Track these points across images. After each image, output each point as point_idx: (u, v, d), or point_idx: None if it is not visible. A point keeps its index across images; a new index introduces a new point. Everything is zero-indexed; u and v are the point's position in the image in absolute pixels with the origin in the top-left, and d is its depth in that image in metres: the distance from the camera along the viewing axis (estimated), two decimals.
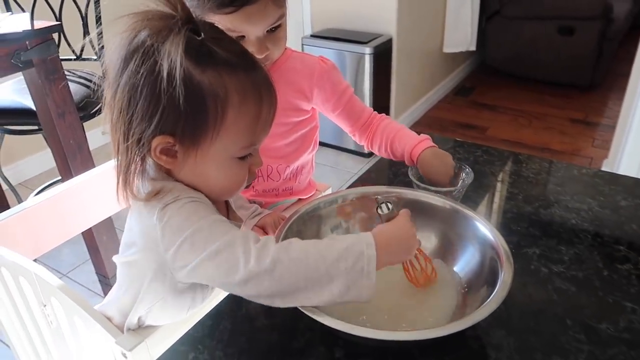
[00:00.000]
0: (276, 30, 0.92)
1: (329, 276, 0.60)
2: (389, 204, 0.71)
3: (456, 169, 0.99)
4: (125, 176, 0.67)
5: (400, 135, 1.05)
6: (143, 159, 0.67)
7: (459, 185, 0.96)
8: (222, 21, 0.86)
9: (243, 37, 0.89)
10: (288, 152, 1.10)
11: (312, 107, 1.10)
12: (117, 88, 0.63)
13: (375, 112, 1.13)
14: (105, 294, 1.95)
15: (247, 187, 0.78)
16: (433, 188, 0.90)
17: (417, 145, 1.01)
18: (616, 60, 3.90)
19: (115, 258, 0.77)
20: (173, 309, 0.77)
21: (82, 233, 1.71)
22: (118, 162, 0.67)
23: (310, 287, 0.60)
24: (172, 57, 0.58)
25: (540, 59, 3.65)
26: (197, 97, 0.61)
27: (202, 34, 0.63)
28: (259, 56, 0.90)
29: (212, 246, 0.61)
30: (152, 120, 0.62)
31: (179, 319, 0.79)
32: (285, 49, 1.04)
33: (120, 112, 0.63)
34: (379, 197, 0.73)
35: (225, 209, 0.83)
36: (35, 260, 2.14)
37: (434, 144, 1.02)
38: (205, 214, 0.64)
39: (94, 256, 1.87)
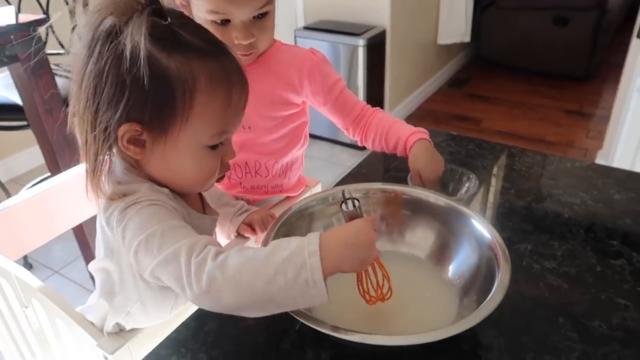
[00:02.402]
0: (263, 18, 0.90)
1: (269, 296, 0.55)
2: (355, 201, 0.66)
3: (458, 176, 0.95)
4: (93, 169, 0.65)
5: (397, 126, 1.03)
6: (110, 150, 0.65)
7: (465, 195, 0.91)
8: (206, 2, 0.84)
9: (228, 21, 0.87)
10: (277, 147, 1.08)
11: (303, 101, 1.08)
12: (82, 77, 0.61)
13: (369, 105, 1.11)
14: None
15: (219, 180, 0.75)
16: (435, 194, 0.86)
17: (413, 134, 0.99)
18: (611, 50, 3.89)
19: (90, 266, 0.75)
20: (154, 310, 0.75)
21: (73, 229, 1.69)
22: (86, 155, 0.65)
23: (252, 305, 0.57)
24: (135, 38, 0.57)
25: (534, 50, 3.63)
26: (164, 82, 0.60)
27: (169, 19, 0.61)
28: (244, 42, 0.88)
29: (162, 254, 0.58)
30: (118, 107, 0.60)
31: (163, 320, 0.77)
32: (275, 41, 1.01)
33: (87, 101, 0.61)
34: (345, 190, 0.67)
35: (200, 203, 0.80)
36: (25, 257, 2.12)
37: (429, 140, 1.00)
38: (163, 219, 0.62)
39: (85, 253, 1.85)
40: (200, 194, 0.80)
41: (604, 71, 3.75)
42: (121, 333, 0.75)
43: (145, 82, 0.58)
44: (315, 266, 0.55)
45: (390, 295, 0.69)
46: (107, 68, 0.59)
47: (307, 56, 1.04)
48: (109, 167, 0.67)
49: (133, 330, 0.76)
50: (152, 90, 0.59)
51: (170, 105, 0.61)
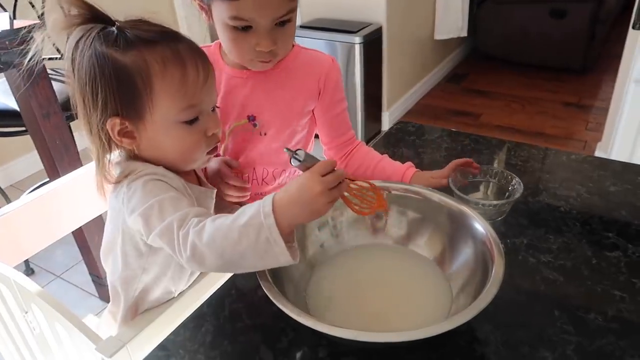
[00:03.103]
0: (285, 25, 0.88)
1: (241, 254, 0.63)
2: (300, 152, 0.65)
3: (498, 179, 0.93)
4: (100, 165, 0.76)
5: (386, 162, 1.03)
6: (110, 146, 0.75)
7: (508, 200, 0.88)
8: (229, 8, 0.83)
9: (250, 27, 0.85)
10: (288, 158, 1.08)
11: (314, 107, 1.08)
12: (73, 88, 0.73)
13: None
14: (100, 294, 1.94)
15: (211, 152, 0.80)
16: (474, 200, 0.86)
17: (408, 169, 0.99)
18: (609, 42, 3.88)
19: (101, 254, 0.85)
20: (162, 276, 0.83)
21: (73, 233, 1.69)
22: (94, 155, 0.76)
23: (231, 264, 0.65)
24: (93, 47, 0.69)
25: (532, 43, 3.62)
26: (125, 75, 0.70)
27: (116, 23, 0.72)
28: (265, 50, 0.87)
29: (159, 226, 0.68)
30: (97, 107, 0.71)
31: (177, 290, 0.86)
32: (293, 45, 1.00)
33: (81, 110, 0.73)
34: (285, 149, 0.67)
35: (196, 179, 0.88)
36: (27, 262, 2.13)
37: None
38: (160, 192, 0.71)
39: (86, 256, 1.85)
40: (196, 174, 0.88)
41: (601, 63, 3.74)
42: (119, 336, 0.76)
43: (113, 83, 0.70)
44: (272, 226, 0.62)
45: (385, 206, 0.73)
46: (83, 77, 0.70)
47: (327, 62, 1.03)
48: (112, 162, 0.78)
49: (131, 332, 0.77)
50: (118, 85, 0.70)
51: (134, 93, 0.71)
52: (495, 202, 0.87)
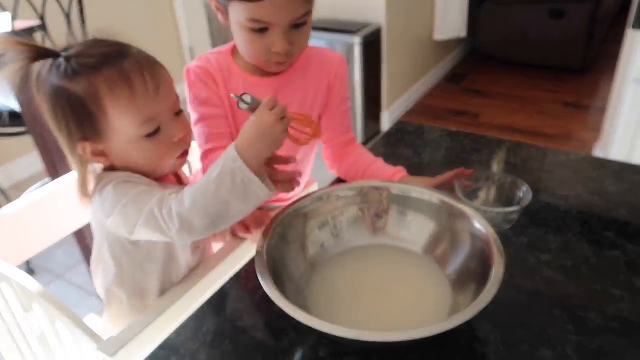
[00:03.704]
0: (301, 28, 0.88)
1: (224, 203, 0.68)
2: (246, 96, 0.71)
3: (509, 185, 0.90)
4: (81, 182, 0.81)
5: (377, 165, 1.02)
6: (85, 164, 0.80)
7: (518, 207, 0.85)
8: (247, 10, 0.82)
9: (266, 29, 0.85)
10: (300, 159, 1.08)
11: None
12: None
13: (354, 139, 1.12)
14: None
15: (182, 156, 0.82)
16: (484, 208, 0.84)
17: (395, 174, 0.98)
18: (607, 42, 3.88)
19: (99, 287, 0.91)
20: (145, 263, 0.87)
21: (74, 234, 1.69)
22: (76, 171, 0.81)
23: (218, 218, 0.70)
24: (48, 83, 0.73)
25: (531, 44, 3.63)
26: (79, 104, 0.73)
27: (61, 54, 0.74)
28: (281, 52, 0.87)
29: (140, 217, 0.72)
30: (64, 135, 0.76)
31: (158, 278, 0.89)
32: None
33: (55, 134, 0.78)
34: (233, 95, 0.74)
35: (175, 179, 0.91)
36: (28, 263, 2.13)
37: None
38: (130, 190, 0.75)
39: (86, 257, 1.85)
40: (177, 176, 0.92)
41: (600, 63, 3.75)
42: (120, 335, 0.76)
43: (69, 111, 0.74)
44: (242, 166, 0.68)
45: (319, 135, 0.85)
46: (46, 110, 0.75)
47: (337, 59, 1.04)
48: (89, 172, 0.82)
49: (132, 332, 0.77)
50: (75, 113, 0.74)
51: (92, 118, 0.74)
52: (503, 210, 0.86)
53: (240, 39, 0.89)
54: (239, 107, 0.72)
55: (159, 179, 0.84)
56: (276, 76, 0.97)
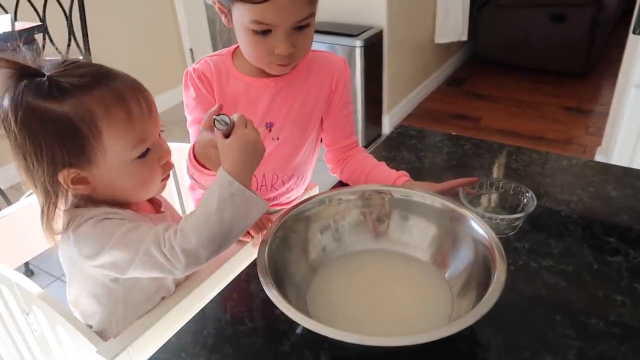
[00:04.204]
0: (304, 30, 0.88)
1: (229, 227, 0.69)
2: (225, 118, 0.71)
3: (513, 191, 0.89)
4: (47, 218, 0.74)
5: (380, 169, 1.02)
6: (57, 197, 0.73)
7: (522, 214, 0.85)
8: (250, 12, 0.82)
9: (269, 31, 0.85)
10: (299, 161, 1.08)
11: None
12: (11, 147, 0.71)
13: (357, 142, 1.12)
14: None
15: (164, 179, 0.81)
16: (488, 214, 0.84)
17: (399, 179, 0.98)
18: (609, 46, 3.88)
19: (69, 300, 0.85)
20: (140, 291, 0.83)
21: None
22: (41, 206, 0.74)
23: (225, 240, 0.70)
24: (26, 104, 0.66)
25: (532, 47, 3.63)
26: (69, 126, 0.68)
27: (45, 73, 0.69)
28: (284, 53, 0.87)
29: (135, 259, 0.70)
30: (42, 163, 0.69)
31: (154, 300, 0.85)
32: None
33: (19, 166, 0.72)
34: (209, 114, 0.75)
35: (152, 208, 0.87)
36: (27, 264, 2.13)
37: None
38: (114, 229, 0.71)
39: None
40: (151, 200, 0.88)
41: (601, 67, 3.75)
42: (121, 338, 0.76)
43: (56, 135, 0.68)
44: (239, 187, 0.69)
45: None
46: (21, 135, 0.68)
47: (340, 63, 1.04)
48: (62, 203, 0.76)
49: (133, 335, 0.77)
50: (62, 136, 0.68)
51: (82, 142, 0.69)
52: (507, 217, 0.85)
53: (243, 40, 0.89)
54: (216, 127, 0.72)
55: (133, 206, 0.81)
56: (277, 78, 0.97)
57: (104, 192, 0.76)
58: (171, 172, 1.41)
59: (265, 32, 0.85)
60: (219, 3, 0.88)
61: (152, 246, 0.70)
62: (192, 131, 0.98)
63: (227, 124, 0.71)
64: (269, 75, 0.96)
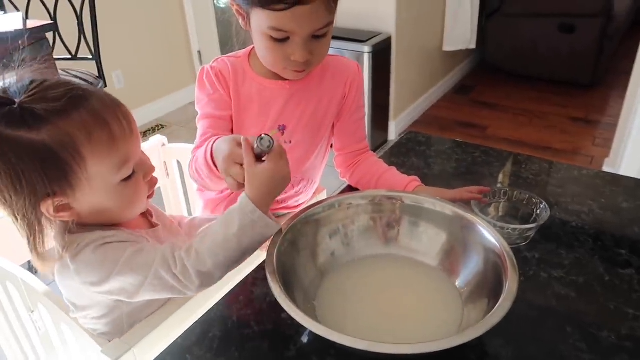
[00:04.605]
0: (321, 39, 0.87)
1: (243, 252, 0.71)
2: (267, 141, 0.69)
3: (526, 202, 0.89)
4: (34, 247, 0.70)
5: (391, 173, 1.01)
6: (40, 227, 0.70)
7: (535, 225, 0.84)
8: (269, 19, 0.82)
9: (287, 38, 0.85)
10: (310, 165, 1.08)
11: None
12: None
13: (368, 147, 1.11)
14: None
15: (149, 196, 0.79)
16: (500, 224, 0.83)
17: (410, 184, 0.97)
18: (617, 58, 3.88)
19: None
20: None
21: None
22: (25, 239, 0.71)
23: (235, 262, 0.71)
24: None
25: (540, 57, 3.62)
26: (48, 155, 0.64)
27: (16, 100, 0.64)
28: (300, 60, 0.86)
29: (144, 283, 0.70)
30: (22, 195, 0.65)
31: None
32: None
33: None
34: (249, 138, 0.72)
35: (145, 221, 0.85)
36: (29, 262, 2.13)
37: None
38: (117, 255, 0.70)
39: None
40: (144, 214, 0.85)
41: (610, 78, 3.74)
42: (126, 339, 0.75)
43: (33, 163, 0.63)
44: (261, 216, 0.70)
45: None
46: None
47: (354, 68, 1.04)
48: (48, 232, 0.72)
49: (138, 335, 0.76)
50: (42, 166, 0.64)
51: (65, 169, 0.66)
52: (520, 227, 0.84)
53: (260, 45, 0.89)
54: (259, 145, 0.69)
55: (126, 225, 0.79)
56: (292, 81, 0.97)
57: (89, 217, 0.73)
58: (178, 172, 1.43)
59: (283, 40, 0.85)
60: (238, 6, 0.88)
61: (161, 269, 0.69)
62: (202, 125, 0.97)
63: (268, 147, 0.69)
64: (284, 78, 0.96)
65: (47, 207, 0.67)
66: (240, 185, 0.73)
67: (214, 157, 0.82)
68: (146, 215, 0.86)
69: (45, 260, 0.72)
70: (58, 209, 0.69)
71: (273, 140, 0.70)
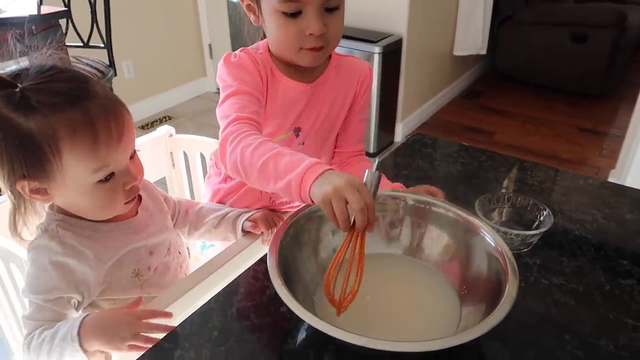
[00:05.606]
0: (334, 12, 0.87)
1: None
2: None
3: (530, 207, 0.89)
4: (14, 221, 0.78)
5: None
6: (21, 202, 0.76)
7: (539, 231, 0.84)
8: None
9: (300, 12, 0.84)
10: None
11: None
12: None
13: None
14: None
15: (130, 202, 0.80)
16: (503, 229, 0.82)
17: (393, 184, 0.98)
18: (629, 69, 3.86)
19: None
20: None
21: None
22: (11, 204, 0.77)
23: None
24: None
25: (551, 66, 3.61)
26: (30, 140, 0.68)
27: (20, 84, 0.68)
28: (316, 33, 0.84)
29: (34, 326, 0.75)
30: (3, 169, 0.70)
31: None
32: (331, 55, 1.00)
33: None
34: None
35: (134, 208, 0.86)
36: None
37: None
38: (45, 288, 0.76)
39: None
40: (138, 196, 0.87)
41: (620, 90, 3.72)
42: None
43: (15, 148, 0.68)
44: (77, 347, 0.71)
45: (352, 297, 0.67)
46: None
47: (365, 68, 1.04)
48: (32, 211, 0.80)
49: None
50: (23, 150, 0.68)
51: (42, 158, 0.69)
52: (523, 233, 0.84)
53: (273, 27, 0.87)
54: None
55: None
56: (312, 84, 0.97)
57: (63, 205, 0.77)
58: (184, 161, 1.43)
59: (296, 14, 0.84)
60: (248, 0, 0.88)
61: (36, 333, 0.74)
62: (232, 101, 0.87)
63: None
64: (303, 79, 0.96)
65: (22, 186, 0.72)
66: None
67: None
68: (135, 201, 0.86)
69: (20, 237, 0.79)
70: (32, 191, 0.73)
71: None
